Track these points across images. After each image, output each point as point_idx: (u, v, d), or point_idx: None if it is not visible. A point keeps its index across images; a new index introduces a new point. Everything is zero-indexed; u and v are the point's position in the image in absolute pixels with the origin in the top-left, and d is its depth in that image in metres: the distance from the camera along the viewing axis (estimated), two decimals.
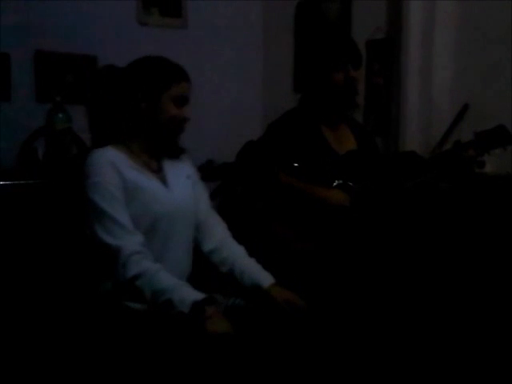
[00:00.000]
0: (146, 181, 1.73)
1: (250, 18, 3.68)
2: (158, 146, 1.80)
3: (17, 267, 2.30)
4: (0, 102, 2.90)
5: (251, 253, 1.89)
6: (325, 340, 1.71)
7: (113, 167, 1.67)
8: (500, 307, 2.12)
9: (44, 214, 2.42)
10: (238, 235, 1.94)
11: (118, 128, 1.76)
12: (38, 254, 2.34)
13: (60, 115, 2.76)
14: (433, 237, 2.32)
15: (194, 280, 1.79)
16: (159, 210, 1.72)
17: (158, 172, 1.80)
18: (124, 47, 3.19)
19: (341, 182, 2.11)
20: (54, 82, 3.04)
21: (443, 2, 2.81)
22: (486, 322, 2.09)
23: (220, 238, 1.87)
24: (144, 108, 1.73)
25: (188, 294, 1.58)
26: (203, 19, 3.47)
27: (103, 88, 1.78)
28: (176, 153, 1.85)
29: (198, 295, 1.58)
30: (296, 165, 2.09)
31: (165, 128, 1.75)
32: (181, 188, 1.82)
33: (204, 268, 1.87)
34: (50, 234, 2.39)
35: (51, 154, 2.74)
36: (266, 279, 1.79)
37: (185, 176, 1.86)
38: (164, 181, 1.80)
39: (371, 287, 1.96)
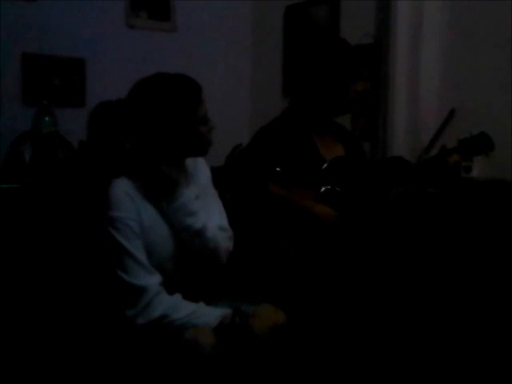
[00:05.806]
0: (160, 218, 1.67)
1: (238, 22, 3.67)
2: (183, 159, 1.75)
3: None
4: None
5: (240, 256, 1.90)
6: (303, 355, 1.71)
7: (132, 201, 1.64)
8: (485, 310, 2.13)
9: (30, 219, 2.41)
10: None
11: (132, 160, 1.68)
12: (24, 259, 2.33)
13: (46, 118, 2.75)
14: (421, 242, 2.33)
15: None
16: (166, 254, 1.69)
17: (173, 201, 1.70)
18: (112, 50, 3.19)
19: (328, 187, 2.12)
20: (41, 84, 3.02)
21: (431, 7, 2.83)
22: (466, 330, 2.10)
23: None
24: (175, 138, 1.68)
25: (210, 312, 1.64)
26: (192, 23, 3.46)
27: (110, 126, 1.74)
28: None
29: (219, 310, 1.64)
30: (278, 169, 2.09)
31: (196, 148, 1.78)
32: None
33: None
34: (35, 237, 2.38)
35: (38, 158, 2.73)
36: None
37: (194, 198, 1.72)
38: None
39: (357, 295, 1.96)
